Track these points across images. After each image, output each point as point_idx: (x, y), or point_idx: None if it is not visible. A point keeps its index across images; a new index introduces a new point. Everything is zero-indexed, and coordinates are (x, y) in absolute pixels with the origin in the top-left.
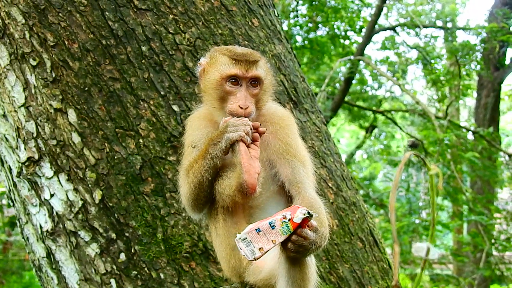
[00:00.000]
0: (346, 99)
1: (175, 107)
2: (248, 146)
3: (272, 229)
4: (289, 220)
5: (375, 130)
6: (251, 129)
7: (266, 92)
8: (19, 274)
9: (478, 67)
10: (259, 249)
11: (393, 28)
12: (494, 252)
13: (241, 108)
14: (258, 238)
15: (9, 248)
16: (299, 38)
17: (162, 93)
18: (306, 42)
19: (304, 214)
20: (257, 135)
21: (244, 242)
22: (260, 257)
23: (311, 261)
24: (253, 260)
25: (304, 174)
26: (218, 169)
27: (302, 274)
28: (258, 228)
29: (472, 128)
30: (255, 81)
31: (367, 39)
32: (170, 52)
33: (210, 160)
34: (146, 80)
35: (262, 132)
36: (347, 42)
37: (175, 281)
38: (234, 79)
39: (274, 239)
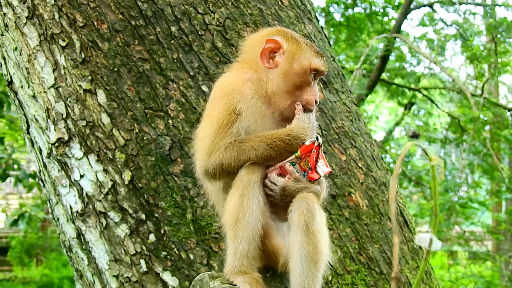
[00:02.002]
0: (385, 75)
1: (204, 88)
2: None
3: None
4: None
5: (414, 107)
6: None
7: None
8: (58, 252)
9: None
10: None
11: (430, 5)
12: None
13: (316, 102)
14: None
15: (47, 225)
16: (336, 16)
17: (191, 73)
18: (342, 19)
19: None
20: None
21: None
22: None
23: (323, 234)
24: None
25: None
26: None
27: (314, 246)
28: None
29: (510, 106)
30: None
31: (403, 16)
32: (199, 33)
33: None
34: (175, 60)
35: None
36: (385, 19)
37: (205, 262)
38: (316, 73)
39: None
